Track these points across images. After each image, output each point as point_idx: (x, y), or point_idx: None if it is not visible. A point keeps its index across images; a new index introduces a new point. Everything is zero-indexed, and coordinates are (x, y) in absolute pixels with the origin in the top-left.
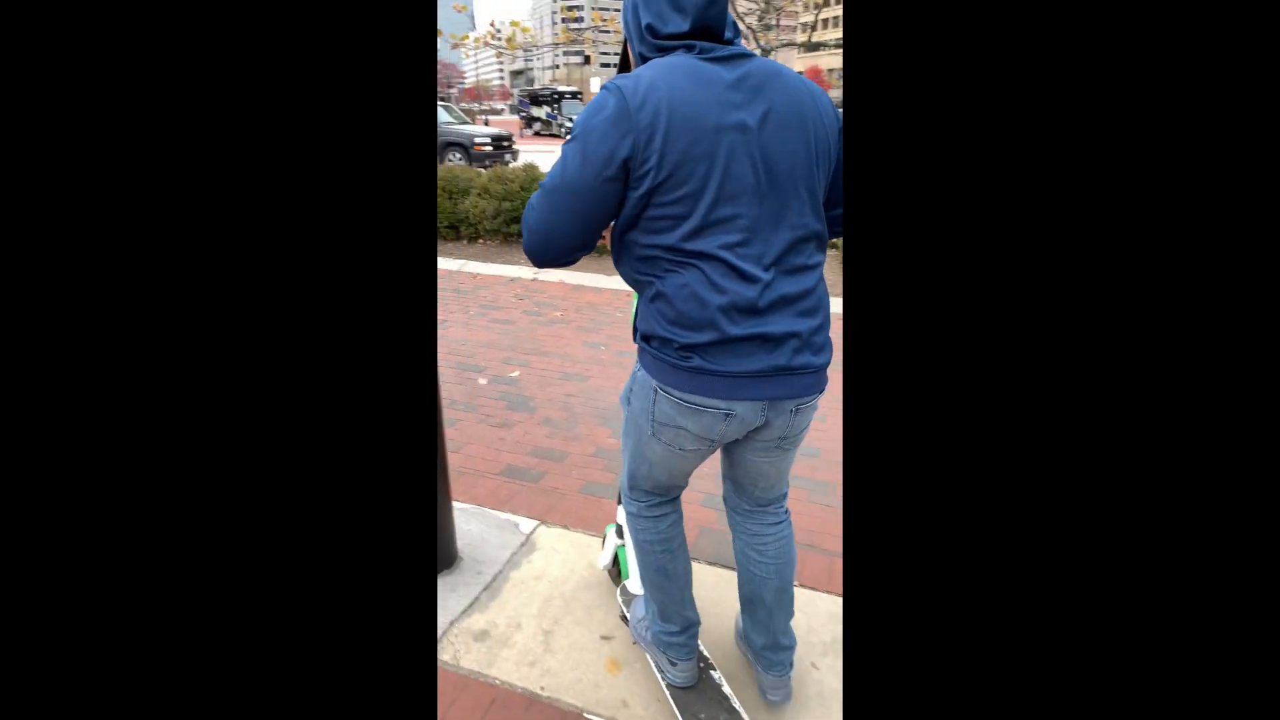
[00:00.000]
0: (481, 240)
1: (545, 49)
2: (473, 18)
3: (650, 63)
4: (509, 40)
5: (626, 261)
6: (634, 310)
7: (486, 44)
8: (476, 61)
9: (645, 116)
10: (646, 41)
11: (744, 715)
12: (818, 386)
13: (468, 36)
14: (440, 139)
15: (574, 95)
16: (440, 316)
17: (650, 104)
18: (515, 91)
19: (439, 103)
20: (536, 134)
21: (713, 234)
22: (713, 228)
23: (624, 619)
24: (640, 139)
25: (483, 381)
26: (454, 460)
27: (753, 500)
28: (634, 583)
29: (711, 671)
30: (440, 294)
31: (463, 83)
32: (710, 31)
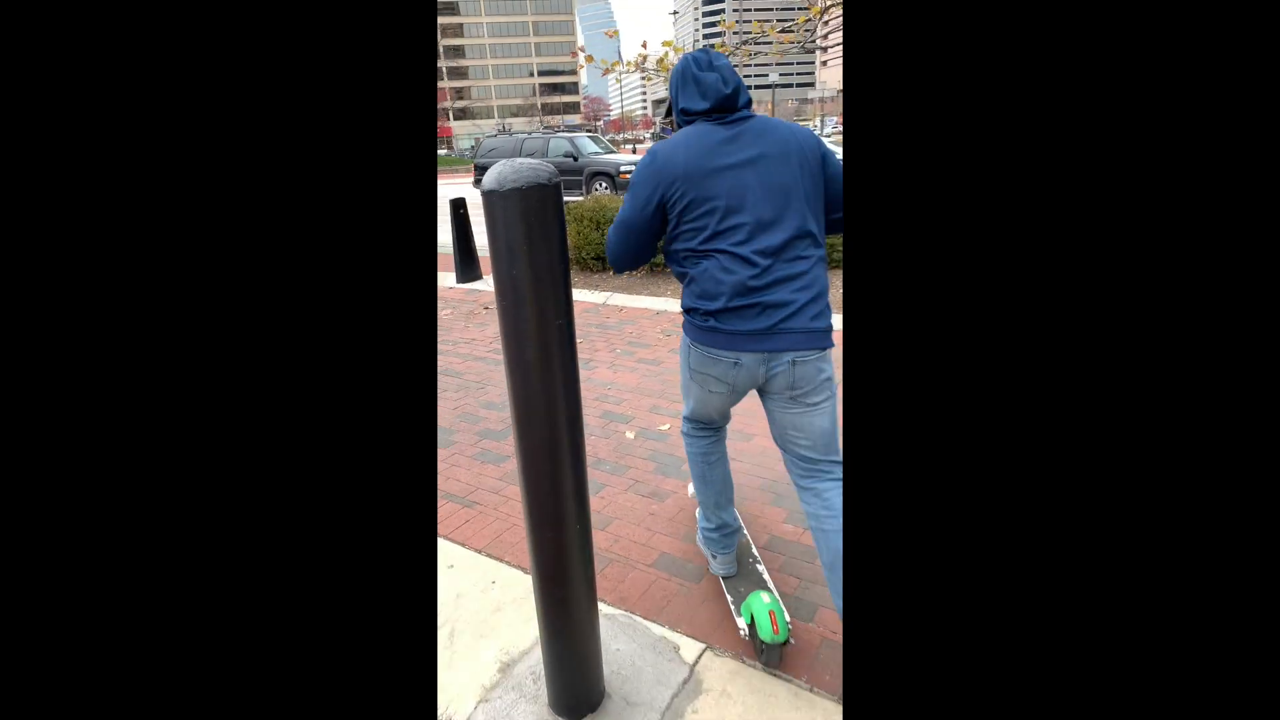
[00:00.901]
0: (628, 272)
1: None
2: (619, 47)
3: (676, 133)
4: (660, 61)
5: (671, 261)
6: None
7: (638, 68)
8: (622, 92)
9: (668, 172)
10: (679, 113)
11: (773, 587)
12: (809, 344)
13: (618, 63)
14: (587, 169)
15: None
16: (585, 355)
17: (671, 163)
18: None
19: (587, 134)
20: None
21: (722, 238)
22: (722, 234)
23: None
24: (666, 187)
25: (630, 435)
26: (600, 541)
27: (804, 460)
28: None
29: (757, 565)
30: (585, 329)
31: (609, 114)
32: (723, 108)
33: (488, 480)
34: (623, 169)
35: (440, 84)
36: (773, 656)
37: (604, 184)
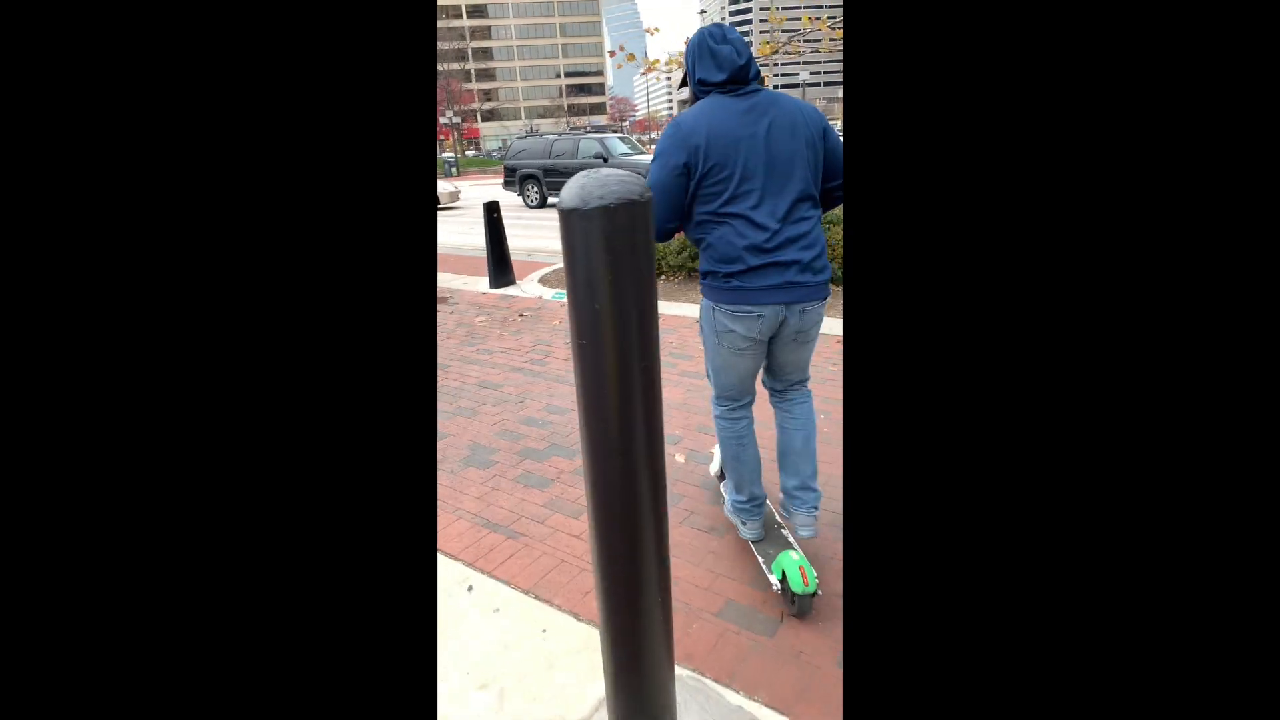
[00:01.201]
0: (664, 276)
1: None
2: (645, 52)
3: (696, 104)
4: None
5: (689, 228)
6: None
7: (680, 65)
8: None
9: (693, 140)
10: (695, 84)
11: (797, 545)
12: (815, 295)
13: (658, 61)
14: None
15: None
16: None
17: (695, 131)
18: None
19: (617, 135)
20: None
21: (738, 202)
22: (738, 198)
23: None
24: (691, 152)
25: (680, 459)
26: None
27: (785, 383)
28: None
29: (782, 530)
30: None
31: (635, 114)
32: (736, 80)
33: (531, 507)
34: None
35: (468, 86)
36: (805, 606)
37: None
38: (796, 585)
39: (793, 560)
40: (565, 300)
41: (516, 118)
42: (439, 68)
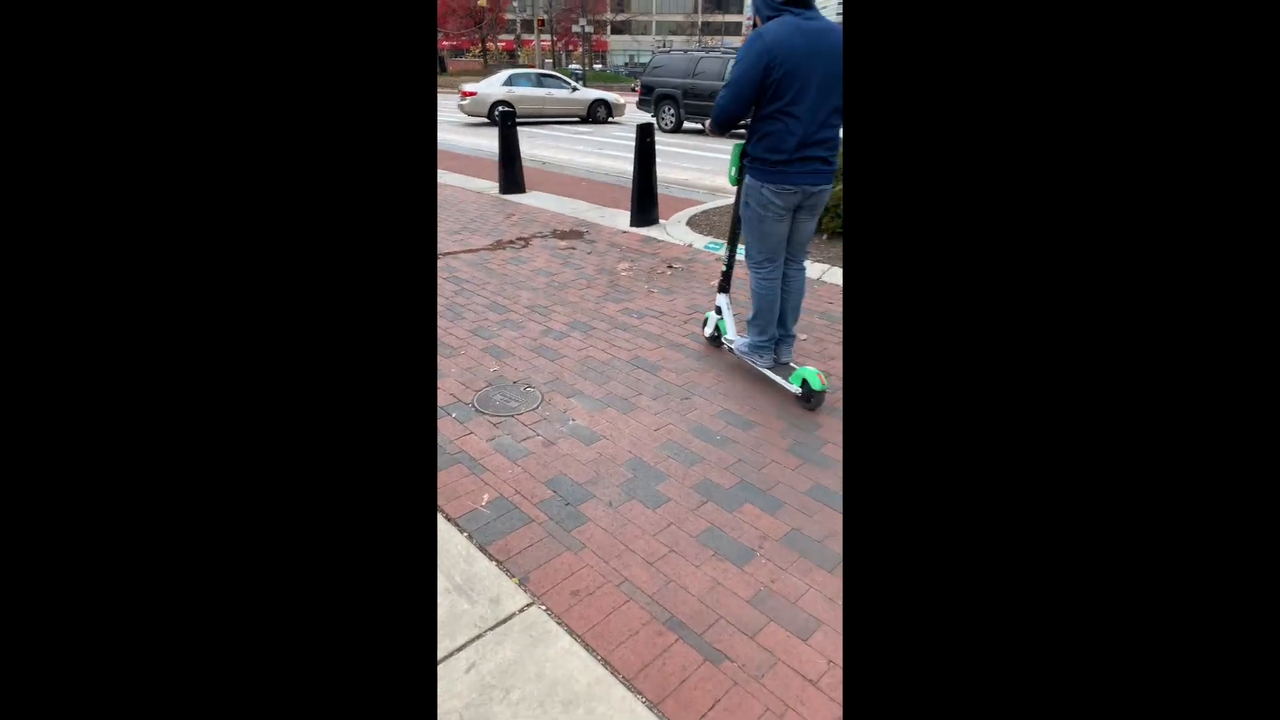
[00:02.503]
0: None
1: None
2: None
3: (770, 21)
4: None
5: (753, 119)
6: (732, 161)
7: None
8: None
9: (773, 50)
10: (767, 7)
11: (792, 369)
12: (828, 180)
13: None
14: None
15: None
16: (822, 365)
17: (776, 43)
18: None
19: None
20: None
21: (795, 105)
22: (795, 101)
23: (730, 350)
24: (770, 59)
25: None
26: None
27: (797, 253)
28: (732, 334)
29: (791, 364)
30: (810, 322)
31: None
32: (801, 2)
33: (731, 600)
34: None
35: None
36: (819, 400)
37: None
38: (816, 384)
39: (809, 370)
40: (722, 254)
41: (647, 32)
42: None
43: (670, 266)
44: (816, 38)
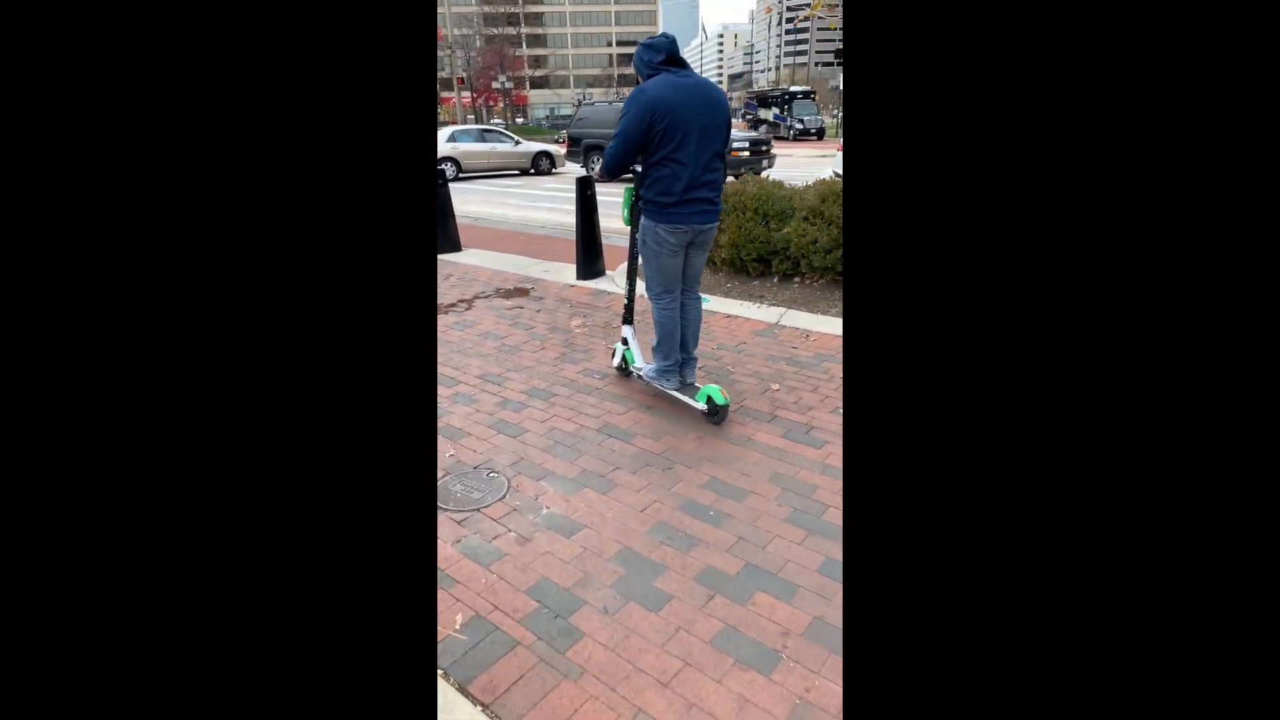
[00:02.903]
0: (801, 279)
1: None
2: (702, 25)
3: (650, 79)
4: (815, 3)
5: (643, 165)
6: (624, 203)
7: (829, 8)
8: (701, 62)
9: (655, 104)
10: (647, 69)
11: (696, 389)
12: (715, 218)
13: (818, 5)
14: None
15: (806, 95)
16: (799, 419)
17: (655, 99)
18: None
19: None
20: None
21: (679, 152)
22: (679, 149)
23: (639, 377)
24: (652, 115)
25: None
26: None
27: (689, 287)
28: (640, 363)
29: (695, 384)
30: (778, 371)
31: None
32: (675, 61)
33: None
34: (734, 146)
35: (519, 52)
36: (724, 414)
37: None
38: (720, 400)
39: (712, 388)
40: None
41: (565, 86)
42: (492, 32)
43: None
44: (692, 92)
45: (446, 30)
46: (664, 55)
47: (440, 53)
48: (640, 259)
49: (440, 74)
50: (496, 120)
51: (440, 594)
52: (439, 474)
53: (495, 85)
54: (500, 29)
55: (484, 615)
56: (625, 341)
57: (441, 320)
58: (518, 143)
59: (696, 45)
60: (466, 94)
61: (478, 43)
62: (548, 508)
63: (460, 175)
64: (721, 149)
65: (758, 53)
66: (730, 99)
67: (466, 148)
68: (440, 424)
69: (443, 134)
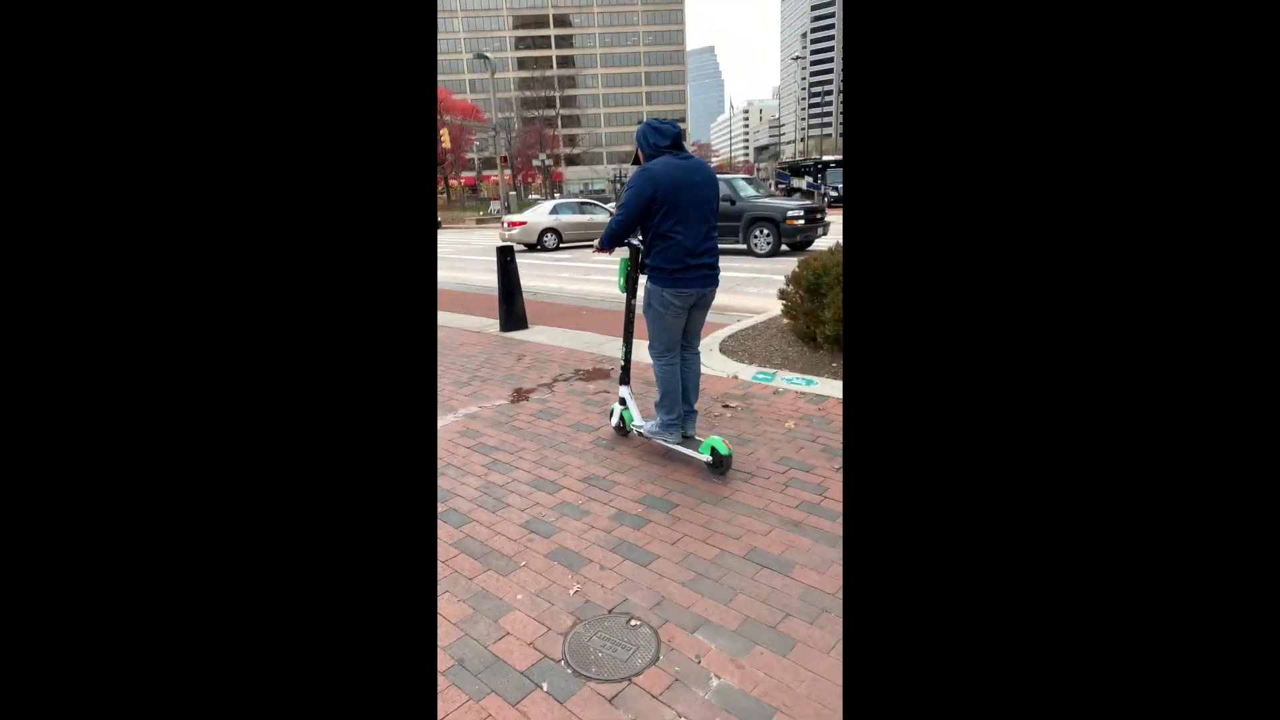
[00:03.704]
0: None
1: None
2: (730, 102)
3: (655, 160)
4: None
5: (646, 236)
6: (620, 273)
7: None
8: (730, 138)
9: (658, 184)
10: (650, 149)
11: (699, 441)
12: (715, 282)
13: None
14: (746, 214)
15: (839, 164)
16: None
17: (659, 178)
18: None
19: (743, 177)
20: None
21: (680, 226)
22: (680, 223)
23: (640, 434)
24: (654, 192)
25: None
26: None
27: (691, 341)
28: (639, 420)
29: (696, 437)
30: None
31: (714, 159)
32: (676, 145)
33: None
34: (789, 214)
35: (555, 132)
36: (728, 464)
37: (765, 230)
38: (723, 450)
39: (715, 439)
40: (799, 388)
41: (599, 162)
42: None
43: (725, 406)
44: (690, 172)
45: (490, 114)
46: (669, 141)
47: (484, 134)
48: (647, 321)
49: (483, 154)
50: (534, 195)
51: None
52: (569, 622)
53: (535, 163)
54: (539, 111)
55: None
56: (623, 401)
57: (525, 409)
58: (611, 213)
59: (724, 121)
60: (507, 172)
61: (517, 125)
62: (717, 676)
63: (560, 245)
64: (715, 221)
65: (783, 126)
66: (758, 170)
67: (568, 219)
68: (553, 545)
69: (545, 207)
